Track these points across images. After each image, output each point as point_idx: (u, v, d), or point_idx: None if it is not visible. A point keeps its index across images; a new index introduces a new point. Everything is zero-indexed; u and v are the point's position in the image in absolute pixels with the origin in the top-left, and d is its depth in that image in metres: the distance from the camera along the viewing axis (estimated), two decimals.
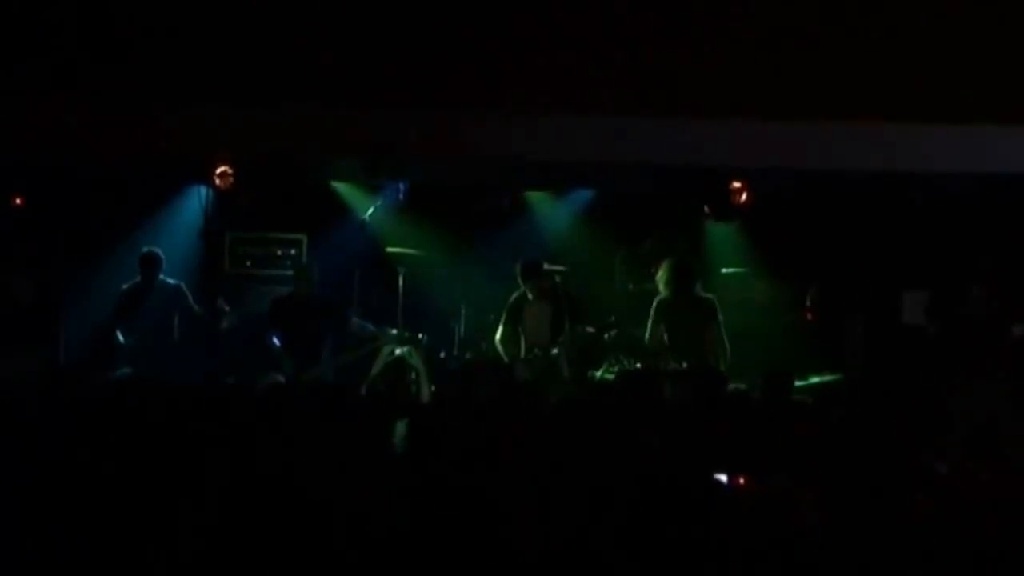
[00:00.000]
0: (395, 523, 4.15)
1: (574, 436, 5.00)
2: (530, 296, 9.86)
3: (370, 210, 10.67)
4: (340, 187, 11.24)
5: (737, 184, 10.48)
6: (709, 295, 9.77)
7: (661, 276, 9.79)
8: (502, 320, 9.94)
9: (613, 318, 9.87)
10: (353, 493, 4.31)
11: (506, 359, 9.71)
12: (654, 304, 9.77)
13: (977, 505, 4.68)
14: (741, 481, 4.53)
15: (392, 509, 4.22)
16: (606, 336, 9.81)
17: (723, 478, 4.55)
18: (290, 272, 10.78)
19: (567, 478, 4.52)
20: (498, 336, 9.92)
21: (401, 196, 10.99)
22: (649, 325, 9.72)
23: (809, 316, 11.02)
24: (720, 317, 9.62)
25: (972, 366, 9.65)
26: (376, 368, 9.58)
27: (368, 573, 4.04)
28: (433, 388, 9.52)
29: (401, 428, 5.48)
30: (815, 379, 9.33)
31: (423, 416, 5.49)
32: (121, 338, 9.99)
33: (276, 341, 9.65)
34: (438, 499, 4.32)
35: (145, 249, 10.29)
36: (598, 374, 9.60)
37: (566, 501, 4.34)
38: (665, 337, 9.63)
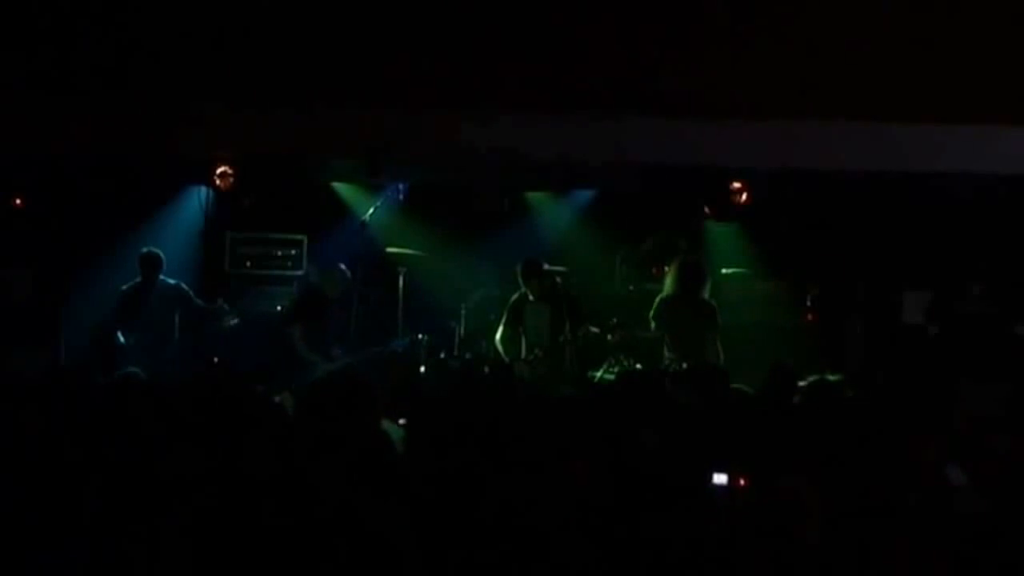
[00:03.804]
0: (394, 523, 4.15)
1: (574, 436, 4.99)
2: (531, 296, 9.86)
3: (370, 210, 10.68)
4: (340, 187, 11.26)
5: (737, 184, 10.49)
6: (711, 300, 9.74)
7: (669, 274, 9.78)
8: (503, 320, 9.95)
9: (615, 319, 9.87)
10: (352, 493, 4.30)
11: (506, 359, 9.71)
12: (656, 301, 9.75)
13: (977, 505, 4.68)
14: (742, 482, 4.53)
15: (390, 509, 4.22)
16: (609, 337, 9.80)
17: (723, 479, 4.55)
18: (290, 273, 10.90)
19: (567, 478, 4.52)
20: (498, 336, 9.93)
21: (401, 196, 11.01)
22: (651, 319, 9.72)
23: (809, 316, 11.02)
24: (719, 323, 9.60)
25: (972, 366, 9.66)
26: None
27: (368, 574, 4.04)
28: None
29: (400, 428, 5.48)
30: (815, 378, 9.33)
31: (422, 416, 5.48)
32: (121, 338, 9.99)
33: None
34: (437, 499, 4.32)
35: (145, 249, 10.29)
36: (598, 374, 9.60)
37: (567, 502, 4.34)
38: (665, 337, 9.62)
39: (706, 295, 9.72)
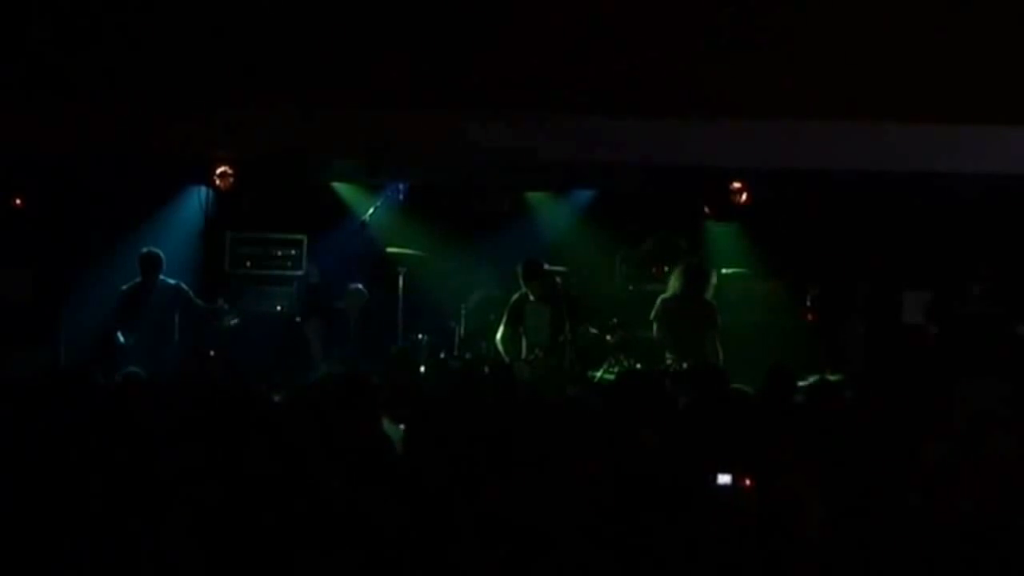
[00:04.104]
0: (394, 523, 4.15)
1: (574, 436, 4.99)
2: (531, 297, 9.86)
3: (370, 210, 10.69)
4: (340, 187, 11.27)
5: (737, 184, 10.50)
6: (711, 301, 9.74)
7: (673, 275, 9.79)
8: (503, 320, 9.94)
9: (615, 319, 9.86)
10: (352, 493, 4.30)
11: (506, 359, 9.71)
12: (657, 301, 9.76)
13: (977, 505, 4.67)
14: (747, 482, 4.52)
15: (391, 509, 4.22)
16: (609, 337, 9.80)
17: (727, 479, 4.54)
18: (290, 273, 10.91)
19: (568, 478, 4.52)
20: (498, 336, 9.92)
21: (401, 196, 11.02)
22: (652, 319, 9.74)
23: (809, 316, 11.02)
24: (719, 324, 9.59)
25: (972, 365, 9.65)
26: None
27: (368, 573, 4.04)
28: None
29: (400, 428, 5.48)
30: (815, 379, 9.32)
31: (422, 416, 5.48)
32: (121, 338, 10.00)
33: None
34: (437, 499, 4.32)
35: (145, 249, 10.30)
36: (598, 374, 9.60)
37: (567, 502, 4.34)
38: (666, 337, 9.62)
39: (708, 296, 9.72)
